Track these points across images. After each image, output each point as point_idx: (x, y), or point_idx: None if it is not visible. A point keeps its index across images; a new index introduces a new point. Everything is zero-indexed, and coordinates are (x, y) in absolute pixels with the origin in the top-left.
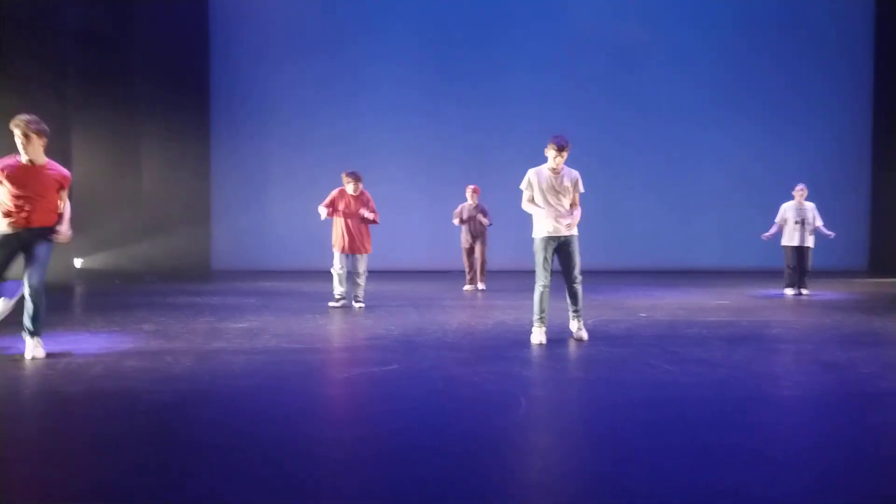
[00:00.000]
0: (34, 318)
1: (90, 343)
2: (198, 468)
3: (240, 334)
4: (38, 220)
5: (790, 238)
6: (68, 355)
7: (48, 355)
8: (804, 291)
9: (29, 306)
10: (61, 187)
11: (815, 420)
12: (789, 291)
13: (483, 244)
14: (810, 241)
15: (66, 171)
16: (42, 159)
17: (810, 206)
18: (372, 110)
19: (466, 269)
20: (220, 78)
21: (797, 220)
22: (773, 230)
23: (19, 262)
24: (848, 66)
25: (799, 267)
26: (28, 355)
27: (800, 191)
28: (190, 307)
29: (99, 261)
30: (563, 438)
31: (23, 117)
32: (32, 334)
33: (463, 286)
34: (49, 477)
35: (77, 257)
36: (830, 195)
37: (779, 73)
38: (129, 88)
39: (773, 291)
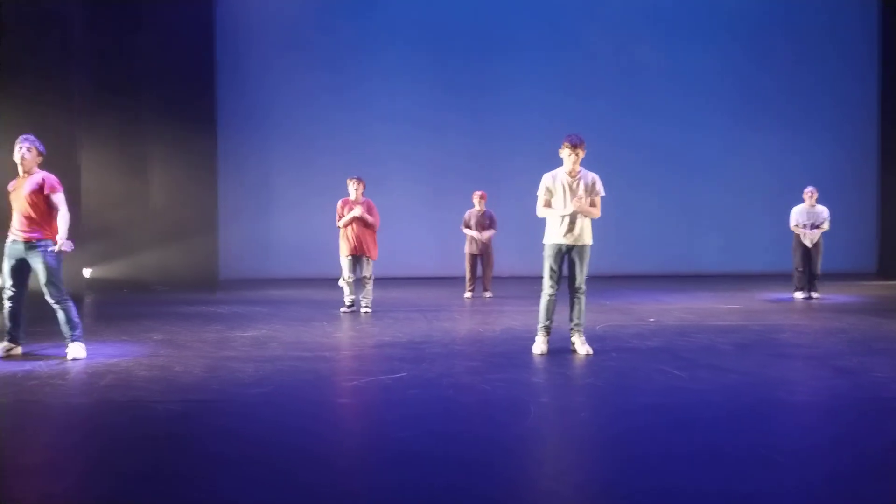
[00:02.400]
0: (66, 324)
1: (100, 353)
2: (209, 477)
3: (249, 343)
4: (21, 231)
5: (800, 241)
6: (79, 365)
7: (60, 362)
8: (814, 295)
9: (59, 315)
10: (42, 193)
11: (828, 425)
12: (799, 295)
13: (489, 253)
14: (820, 245)
15: (50, 178)
16: (33, 172)
17: (822, 210)
18: (377, 119)
19: (467, 277)
20: (227, 89)
21: (808, 223)
22: (805, 233)
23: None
24: (853, 69)
25: (809, 270)
26: (69, 356)
27: (809, 194)
28: (199, 316)
29: (108, 271)
30: (573, 445)
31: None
32: (71, 339)
33: (463, 294)
34: (61, 487)
35: (86, 267)
36: (838, 198)
37: (783, 76)
38: (137, 101)
39: (783, 295)
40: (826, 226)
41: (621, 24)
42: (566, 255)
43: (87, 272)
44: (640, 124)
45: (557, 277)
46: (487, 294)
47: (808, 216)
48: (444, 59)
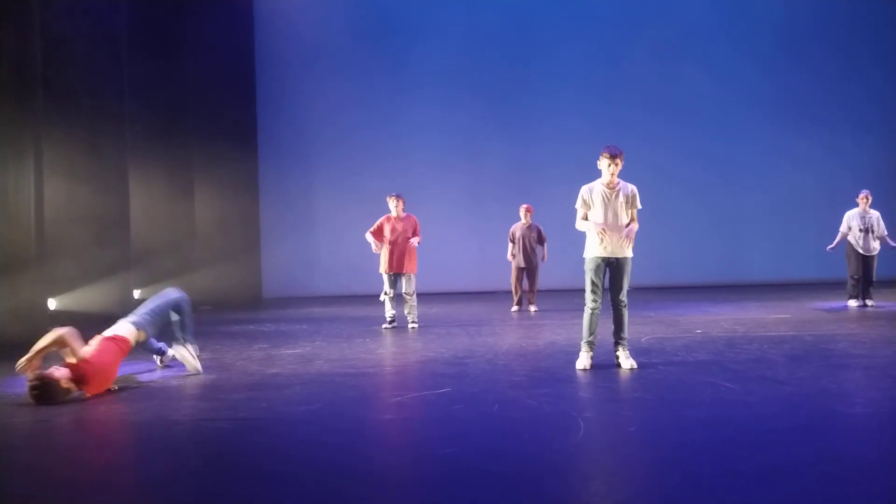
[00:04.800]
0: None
1: (150, 372)
2: (259, 495)
3: (294, 360)
4: None
5: (856, 247)
6: (130, 385)
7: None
8: (869, 302)
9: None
10: None
11: (890, 438)
12: (853, 303)
13: (535, 266)
14: (875, 250)
15: None
16: None
17: (876, 214)
18: (414, 132)
19: (514, 291)
20: (266, 109)
21: (862, 227)
22: (837, 240)
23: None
24: (893, 71)
25: (864, 277)
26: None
27: (864, 198)
28: (244, 335)
29: (156, 292)
30: (624, 461)
31: None
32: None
33: (511, 308)
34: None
35: (136, 288)
36: (886, 204)
37: (824, 81)
38: (180, 124)
39: (836, 303)
40: (883, 230)
41: (661, 30)
42: (607, 269)
43: (136, 293)
44: (683, 131)
45: (600, 291)
46: (533, 308)
47: (861, 220)
48: (481, 66)
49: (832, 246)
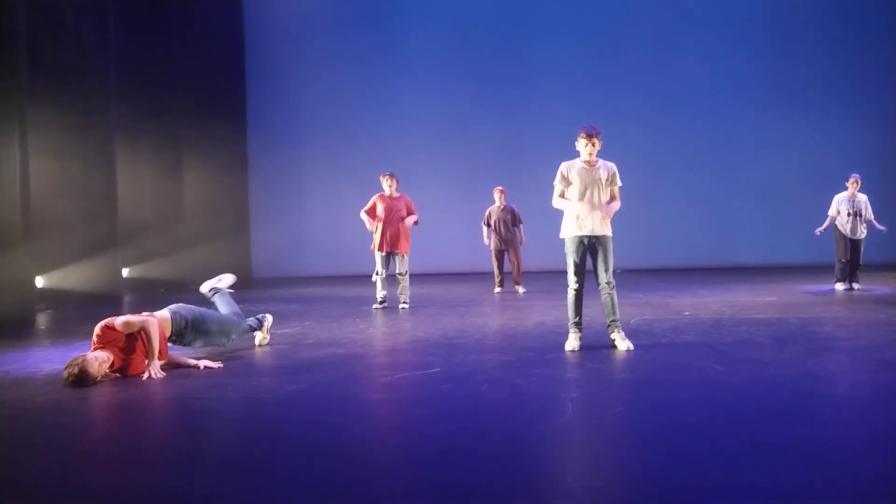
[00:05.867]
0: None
1: None
2: (248, 472)
3: (283, 340)
4: None
5: (843, 230)
6: None
7: None
8: (855, 286)
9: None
10: None
11: (873, 419)
12: (840, 286)
13: (516, 247)
14: (863, 234)
15: None
16: None
17: (864, 198)
18: (405, 115)
19: (496, 273)
20: (256, 88)
21: (851, 211)
22: (826, 223)
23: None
24: (880, 57)
25: (852, 260)
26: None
27: (853, 182)
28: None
29: (145, 270)
30: (611, 441)
31: None
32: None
33: (493, 290)
34: (99, 484)
35: (125, 267)
36: (875, 188)
37: (811, 67)
38: (169, 103)
39: (823, 286)
40: (870, 214)
41: (652, 18)
42: (588, 249)
43: (125, 272)
44: (673, 116)
45: (582, 272)
46: (521, 289)
47: (850, 204)
48: (474, 50)
49: (821, 229)
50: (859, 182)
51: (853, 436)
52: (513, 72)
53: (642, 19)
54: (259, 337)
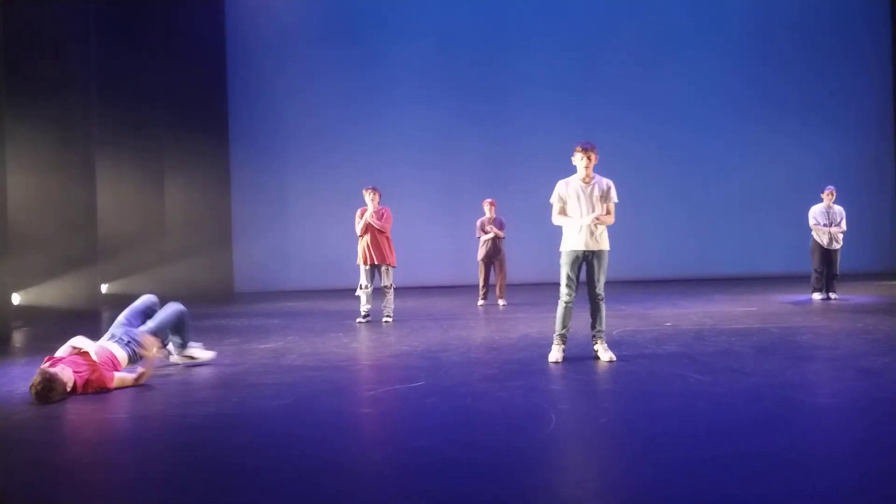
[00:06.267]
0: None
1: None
2: (232, 489)
3: (266, 355)
4: None
5: (819, 241)
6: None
7: None
8: (832, 295)
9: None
10: None
11: (853, 427)
12: (817, 296)
13: (502, 260)
14: (838, 244)
15: None
16: None
17: (839, 209)
18: (389, 128)
19: (480, 284)
20: (238, 101)
21: (826, 223)
22: (825, 229)
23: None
24: (864, 66)
25: (828, 270)
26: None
27: (829, 193)
28: (215, 329)
29: (125, 286)
30: (596, 451)
31: None
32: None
33: (476, 302)
34: (82, 499)
35: (104, 283)
36: (855, 198)
37: (794, 76)
38: (150, 116)
39: (801, 296)
40: (844, 225)
41: (636, 28)
42: (583, 262)
43: (104, 287)
44: (655, 127)
45: (574, 285)
46: (501, 302)
47: (826, 216)
48: (457, 62)
49: (830, 230)
50: (834, 194)
51: (833, 444)
52: (497, 83)
53: (625, 30)
54: (174, 354)
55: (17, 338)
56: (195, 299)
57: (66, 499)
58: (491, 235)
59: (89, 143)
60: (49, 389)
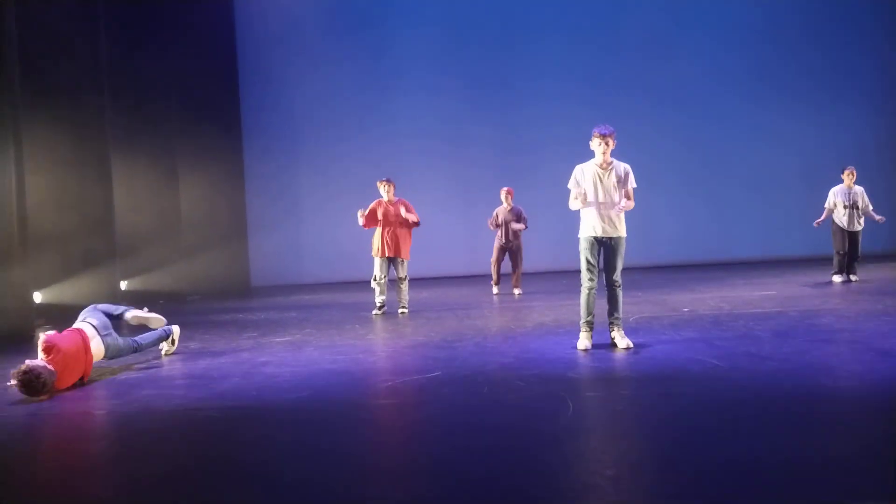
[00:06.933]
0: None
1: (138, 362)
2: (252, 482)
3: (283, 348)
4: None
5: (840, 222)
6: (118, 374)
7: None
8: (853, 277)
9: None
10: None
11: (879, 411)
12: (837, 278)
13: (518, 249)
14: (860, 226)
15: None
16: None
17: (860, 190)
18: (400, 118)
19: (493, 272)
20: (250, 97)
21: (847, 203)
22: (824, 215)
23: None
24: (871, 47)
25: (849, 252)
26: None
27: (849, 173)
28: (233, 324)
29: (143, 283)
30: (614, 439)
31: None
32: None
33: (491, 289)
34: (103, 494)
35: (123, 279)
36: (870, 178)
37: (804, 59)
38: (163, 114)
39: (820, 279)
40: (870, 205)
41: (645, 16)
42: (601, 248)
43: (123, 284)
44: (667, 113)
45: (595, 270)
46: (517, 291)
47: (846, 196)
48: (468, 51)
49: (819, 221)
50: (854, 174)
51: (854, 426)
52: (508, 72)
53: (635, 17)
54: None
55: (41, 336)
56: (212, 294)
57: (90, 494)
58: (519, 227)
59: (104, 141)
60: (31, 382)
